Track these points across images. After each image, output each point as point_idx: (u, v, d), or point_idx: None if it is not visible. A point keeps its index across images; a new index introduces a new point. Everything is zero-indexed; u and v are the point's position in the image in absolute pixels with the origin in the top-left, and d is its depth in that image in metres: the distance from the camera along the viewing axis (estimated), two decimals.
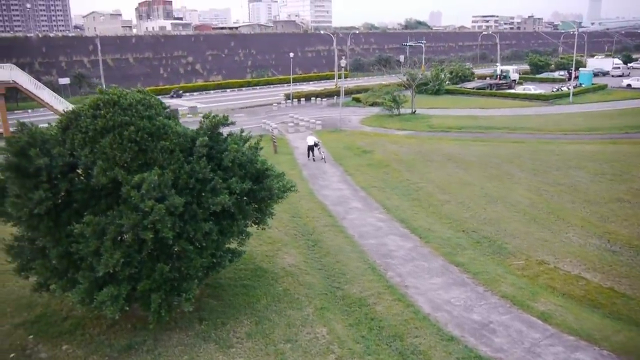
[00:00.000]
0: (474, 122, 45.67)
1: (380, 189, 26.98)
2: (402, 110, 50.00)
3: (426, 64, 72.63)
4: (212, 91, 72.54)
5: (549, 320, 14.55)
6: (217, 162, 13.61)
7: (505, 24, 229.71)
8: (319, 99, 62.72)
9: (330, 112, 53.11)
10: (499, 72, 73.45)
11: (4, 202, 12.72)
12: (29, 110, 52.74)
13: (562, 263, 18.21)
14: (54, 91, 45.72)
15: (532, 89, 64.09)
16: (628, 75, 79.72)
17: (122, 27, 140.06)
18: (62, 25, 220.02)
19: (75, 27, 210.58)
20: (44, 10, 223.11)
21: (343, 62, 57.35)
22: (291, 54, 68.58)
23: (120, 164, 12.43)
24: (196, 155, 13.15)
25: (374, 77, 78.04)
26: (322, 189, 27.21)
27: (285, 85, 73.43)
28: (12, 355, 12.92)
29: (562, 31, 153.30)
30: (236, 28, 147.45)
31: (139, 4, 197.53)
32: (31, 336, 13.65)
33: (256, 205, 14.46)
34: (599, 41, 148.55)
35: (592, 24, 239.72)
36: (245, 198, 13.96)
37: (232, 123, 14.52)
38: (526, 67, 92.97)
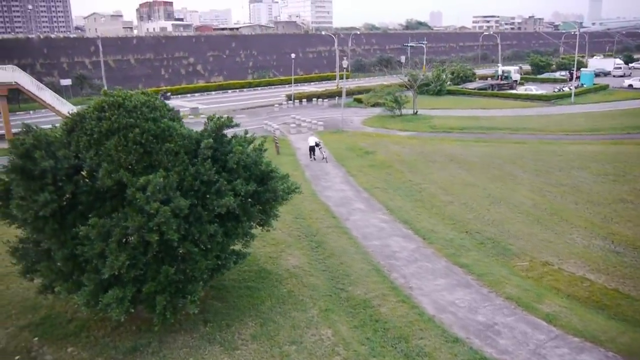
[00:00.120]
0: (475, 122, 45.66)
1: (383, 190, 26.97)
2: (403, 111, 50.02)
3: (427, 65, 72.61)
4: (213, 92, 72.56)
5: (554, 322, 14.53)
6: (222, 164, 13.61)
7: (505, 24, 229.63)
8: (320, 99, 62.73)
9: (331, 113, 53.12)
10: (500, 72, 73.45)
11: (9, 204, 12.72)
12: (31, 112, 52.74)
13: (566, 264, 18.19)
14: (55, 92, 45.72)
15: (533, 89, 64.10)
16: (629, 76, 79.65)
17: (123, 28, 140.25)
18: (63, 27, 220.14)
19: (76, 28, 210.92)
20: (44, 11, 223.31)
21: (345, 63, 57.38)
22: (293, 55, 68.56)
23: (125, 166, 12.43)
24: (201, 157, 13.14)
25: (375, 77, 77.99)
26: (325, 190, 27.20)
27: (287, 86, 73.42)
28: (17, 357, 12.91)
29: (563, 31, 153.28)
30: (237, 29, 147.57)
31: (140, 5, 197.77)
32: (36, 338, 13.65)
33: (261, 207, 14.45)
34: (600, 41, 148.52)
35: (593, 24, 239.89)
36: (249, 200, 13.95)
37: (237, 125, 14.51)
38: (527, 67, 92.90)
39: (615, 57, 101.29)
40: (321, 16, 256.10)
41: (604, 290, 16.39)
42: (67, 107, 42.06)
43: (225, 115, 14.41)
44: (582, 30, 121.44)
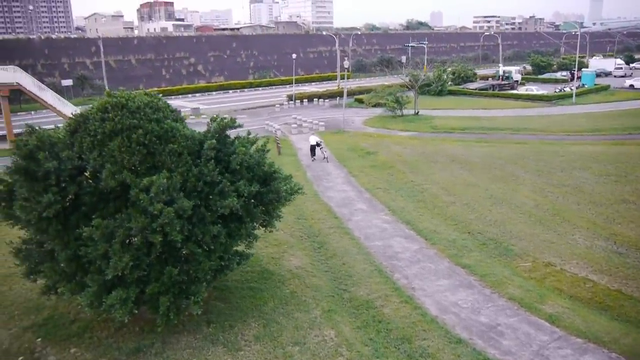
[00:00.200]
0: (477, 123, 45.66)
1: (385, 191, 26.97)
2: (405, 111, 50.03)
3: (428, 65, 72.62)
4: (214, 92, 72.62)
5: (557, 323, 14.52)
6: (225, 164, 13.60)
7: (506, 24, 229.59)
8: (321, 100, 62.78)
9: (333, 113, 53.15)
10: (501, 72, 73.45)
11: (12, 205, 12.73)
12: (32, 112, 52.81)
13: (568, 265, 18.18)
14: (56, 93, 45.77)
15: (534, 89, 64.08)
16: (630, 76, 79.62)
17: (124, 28, 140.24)
18: (64, 27, 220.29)
19: (77, 28, 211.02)
20: (45, 11, 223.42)
21: (346, 63, 57.38)
22: (294, 55, 68.58)
23: (129, 167, 12.42)
24: (204, 158, 13.13)
25: (376, 77, 78.02)
26: (327, 191, 27.21)
27: (288, 86, 73.46)
28: (20, 358, 12.92)
29: (564, 31, 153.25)
30: (238, 29, 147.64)
31: (141, 5, 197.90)
32: (39, 339, 13.64)
33: (263, 208, 14.43)
34: (601, 41, 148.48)
35: (594, 24, 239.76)
36: (252, 201, 13.94)
37: (240, 126, 14.51)
38: (528, 67, 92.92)
39: (616, 58, 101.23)
40: (322, 16, 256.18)
41: (606, 291, 16.37)
42: (68, 108, 42.17)
43: (229, 116, 14.41)
44: (582, 30, 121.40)
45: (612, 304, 15.66)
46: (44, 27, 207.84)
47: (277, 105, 58.37)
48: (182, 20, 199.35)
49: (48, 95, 42.01)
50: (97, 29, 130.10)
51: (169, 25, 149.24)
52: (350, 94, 59.39)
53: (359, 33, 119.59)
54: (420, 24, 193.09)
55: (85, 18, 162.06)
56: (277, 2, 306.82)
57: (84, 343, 13.37)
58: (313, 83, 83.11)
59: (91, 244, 11.93)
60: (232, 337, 13.59)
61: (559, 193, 25.82)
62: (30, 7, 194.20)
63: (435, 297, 16.06)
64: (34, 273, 13.54)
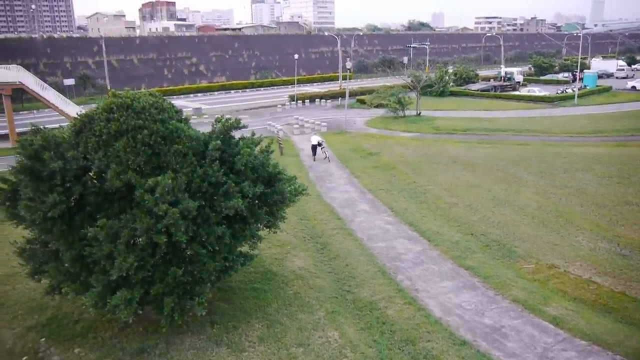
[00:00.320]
0: (479, 124, 45.63)
1: (388, 192, 26.96)
2: (407, 112, 50.00)
3: (430, 66, 72.58)
4: (216, 92, 72.58)
5: (561, 325, 14.51)
6: (230, 165, 13.60)
7: (508, 25, 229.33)
8: (323, 100, 62.75)
9: (335, 114, 53.15)
10: (503, 73, 73.40)
11: (17, 204, 12.74)
12: (34, 111, 52.84)
13: (572, 267, 18.16)
14: (58, 92, 45.78)
15: (536, 90, 64.01)
16: (632, 77, 79.53)
17: (126, 28, 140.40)
18: (66, 26, 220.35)
19: (79, 27, 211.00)
20: (47, 10, 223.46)
21: (349, 64, 57.33)
22: (296, 56, 68.58)
23: (134, 167, 12.43)
24: (209, 158, 13.14)
25: (377, 78, 78.03)
26: (330, 191, 27.21)
27: (289, 86, 73.42)
28: (24, 358, 12.92)
29: (565, 33, 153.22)
30: (239, 29, 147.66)
31: (143, 4, 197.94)
32: (43, 339, 13.65)
33: (268, 209, 14.43)
34: (602, 43, 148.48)
35: (595, 25, 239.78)
36: (257, 202, 13.94)
37: (244, 126, 14.52)
38: (528, 68, 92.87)
39: (618, 59, 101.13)
40: (323, 17, 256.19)
41: (610, 293, 16.35)
42: (70, 107, 42.22)
43: (234, 117, 14.41)
44: (584, 31, 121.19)
45: (616, 306, 15.64)
46: (46, 26, 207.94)
47: (279, 106, 58.36)
48: (184, 20, 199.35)
49: (50, 95, 42.02)
50: (99, 29, 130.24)
51: (171, 25, 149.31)
52: (352, 94, 59.36)
53: (361, 34, 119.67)
54: (422, 24, 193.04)
55: (88, 17, 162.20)
56: (279, 3, 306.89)
57: (88, 343, 13.38)
58: (315, 83, 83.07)
59: (96, 244, 11.94)
60: (236, 338, 13.59)
61: (562, 195, 25.80)
62: (33, 6, 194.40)
63: (438, 298, 16.05)
64: (38, 273, 13.55)
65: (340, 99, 61.71)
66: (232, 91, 74.02)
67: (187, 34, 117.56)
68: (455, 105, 57.12)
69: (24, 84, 40.00)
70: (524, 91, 65.68)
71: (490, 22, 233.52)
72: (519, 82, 71.66)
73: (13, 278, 16.79)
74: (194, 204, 12.10)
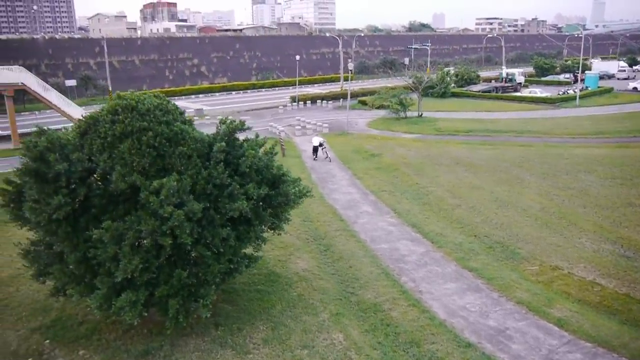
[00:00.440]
0: (480, 125, 45.60)
1: (390, 193, 26.94)
2: (408, 113, 49.98)
3: (431, 67, 72.56)
4: (217, 93, 72.56)
5: (566, 327, 14.50)
6: (234, 167, 13.59)
7: (509, 26, 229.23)
8: (324, 101, 62.73)
9: (336, 115, 53.14)
10: (504, 75, 73.39)
11: (21, 206, 12.74)
12: (36, 112, 52.83)
13: (576, 269, 18.14)
14: (60, 93, 45.76)
15: (538, 92, 63.99)
16: (634, 78, 79.52)
17: (127, 28, 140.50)
18: (67, 27, 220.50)
19: (80, 28, 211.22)
20: (48, 11, 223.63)
21: (351, 65, 57.29)
22: (297, 57, 68.59)
23: (139, 169, 12.41)
24: (213, 160, 13.13)
25: (379, 79, 78.04)
26: (332, 193, 27.19)
27: (291, 87, 73.41)
28: (29, 359, 12.91)
29: (566, 34, 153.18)
30: (240, 30, 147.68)
31: (144, 5, 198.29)
32: (47, 341, 13.64)
33: (272, 211, 14.42)
34: (604, 44, 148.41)
35: (596, 26, 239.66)
36: (261, 203, 13.93)
37: (249, 128, 14.51)
38: (531, 69, 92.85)
39: (619, 60, 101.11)
40: (324, 18, 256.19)
41: (615, 295, 16.33)
42: (72, 108, 42.22)
43: (238, 119, 14.39)
44: (585, 32, 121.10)
45: (621, 308, 15.63)
46: (47, 27, 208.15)
47: (280, 107, 58.34)
48: (185, 21, 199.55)
49: (53, 96, 41.99)
50: (100, 29, 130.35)
51: (172, 26, 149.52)
52: (354, 95, 59.33)
53: (362, 35, 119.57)
54: (423, 25, 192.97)
55: (89, 18, 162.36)
56: (280, 4, 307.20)
57: (93, 345, 13.37)
58: (316, 84, 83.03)
59: (101, 246, 11.93)
60: (241, 340, 13.57)
61: (565, 196, 25.77)
62: (35, 7, 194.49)
63: (442, 300, 16.04)
64: (43, 275, 13.54)
65: (341, 100, 61.70)
66: (234, 92, 74.01)
67: (188, 35, 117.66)
68: (457, 106, 57.12)
69: (26, 85, 39.97)
70: (525, 92, 65.67)
71: (491, 23, 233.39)
72: (520, 83, 71.67)
73: (17, 279, 16.79)
74: (198, 205, 12.09)
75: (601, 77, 76.30)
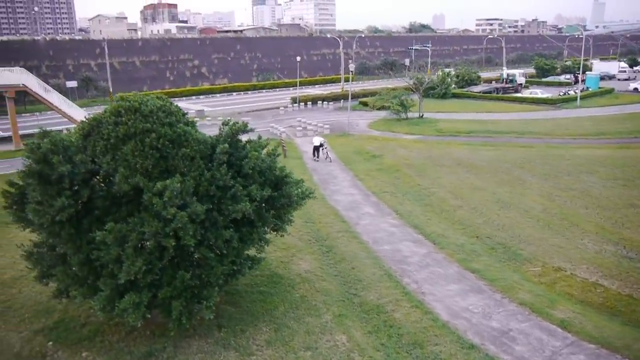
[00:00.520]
0: (482, 126, 45.61)
1: (392, 194, 26.94)
2: (409, 115, 49.98)
3: (432, 68, 72.57)
4: (218, 94, 72.56)
5: (569, 328, 14.48)
6: (237, 169, 13.60)
7: (509, 27, 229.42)
8: (325, 102, 62.74)
9: (337, 116, 53.15)
10: (505, 75, 73.39)
11: (24, 208, 12.74)
12: (37, 114, 52.79)
13: (578, 270, 18.12)
14: (61, 94, 45.77)
15: (539, 92, 64.00)
16: (634, 79, 79.53)
17: (128, 30, 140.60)
18: (67, 28, 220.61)
19: (80, 30, 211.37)
20: (49, 13, 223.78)
21: (352, 66, 57.27)
22: (298, 58, 68.61)
23: (142, 171, 12.40)
24: (216, 162, 13.14)
25: (379, 80, 78.05)
26: (334, 194, 27.19)
27: (291, 88, 73.41)
28: None
29: (567, 34, 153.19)
30: (241, 31, 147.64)
31: (144, 7, 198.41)
32: (50, 342, 13.63)
33: (275, 212, 14.42)
34: (604, 44, 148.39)
35: (597, 27, 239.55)
36: (264, 205, 13.93)
37: (252, 130, 14.51)
38: (531, 70, 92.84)
39: (619, 61, 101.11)
40: (324, 18, 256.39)
41: (617, 296, 16.32)
42: (73, 109, 42.23)
43: (241, 121, 14.40)
44: (585, 33, 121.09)
45: (624, 309, 15.62)
46: (48, 29, 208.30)
47: (281, 108, 58.35)
48: (185, 22, 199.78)
49: (54, 97, 42.00)
50: (100, 31, 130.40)
51: (173, 27, 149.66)
52: (354, 96, 59.35)
53: (362, 36, 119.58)
54: (423, 26, 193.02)
55: (89, 20, 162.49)
56: (280, 5, 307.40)
57: (96, 347, 13.36)
58: (316, 86, 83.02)
59: (104, 248, 11.92)
60: (244, 341, 13.56)
61: (567, 197, 25.77)
62: (36, 9, 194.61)
63: (445, 301, 16.02)
64: (46, 277, 13.54)
65: (342, 101, 61.73)
66: (234, 93, 74.02)
67: (189, 36, 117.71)
68: (458, 107, 57.15)
69: (27, 87, 39.99)
70: (526, 93, 65.68)
71: (491, 24, 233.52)
72: (521, 84, 71.67)
73: (19, 281, 16.80)
74: (202, 207, 12.09)
75: (602, 78, 76.29)
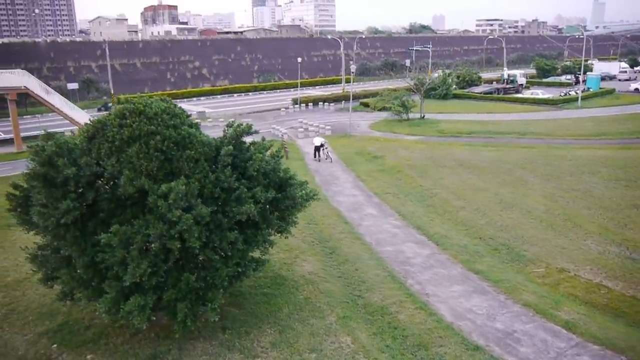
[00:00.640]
0: (483, 127, 45.62)
1: (394, 195, 26.94)
2: (410, 115, 49.98)
3: (433, 69, 72.58)
4: (219, 96, 72.61)
5: (573, 329, 14.47)
6: (242, 171, 13.60)
7: (509, 27, 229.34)
8: (326, 103, 62.76)
9: (338, 117, 53.17)
10: (506, 76, 73.39)
11: (29, 211, 12.74)
12: (38, 116, 52.77)
13: (582, 271, 18.11)
14: (62, 96, 45.83)
15: (540, 93, 64.01)
16: (635, 80, 79.52)
17: (128, 31, 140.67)
18: (68, 30, 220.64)
19: (80, 31, 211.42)
20: (49, 15, 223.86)
21: (353, 67, 57.30)
22: (299, 59, 68.63)
23: (146, 173, 12.41)
24: (221, 164, 13.13)
25: (380, 81, 78.06)
26: (336, 195, 27.19)
27: (292, 89, 73.48)
28: None
29: (567, 35, 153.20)
30: (241, 32, 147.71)
31: (145, 8, 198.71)
32: (55, 345, 13.63)
33: (279, 214, 14.42)
34: (604, 45, 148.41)
35: (597, 27, 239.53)
36: (268, 207, 13.93)
37: (256, 132, 14.52)
38: (532, 71, 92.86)
39: (620, 61, 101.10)
40: (324, 20, 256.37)
41: (621, 297, 16.32)
42: (75, 111, 42.31)
43: (245, 122, 14.40)
44: (586, 33, 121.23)
45: (628, 310, 15.61)
46: (48, 31, 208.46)
47: (282, 109, 58.37)
48: (186, 23, 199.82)
49: (55, 99, 42.08)
50: (101, 33, 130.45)
51: (173, 28, 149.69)
52: (355, 97, 59.39)
53: (363, 37, 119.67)
54: (423, 27, 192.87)
55: (90, 21, 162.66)
56: (280, 6, 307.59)
57: (100, 349, 13.35)
58: (317, 87, 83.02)
59: (109, 251, 11.91)
60: (248, 343, 13.56)
61: (569, 198, 25.76)
62: (37, 11, 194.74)
63: (449, 303, 16.02)
64: (50, 279, 13.55)
65: (343, 102, 61.76)
66: (235, 95, 74.07)
67: (189, 37, 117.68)
68: (459, 108, 57.17)
69: (29, 89, 40.05)
70: (527, 94, 65.68)
71: (491, 25, 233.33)
72: (521, 84, 71.66)
73: (23, 284, 16.79)
74: (207, 209, 12.09)
75: (602, 79, 76.28)
